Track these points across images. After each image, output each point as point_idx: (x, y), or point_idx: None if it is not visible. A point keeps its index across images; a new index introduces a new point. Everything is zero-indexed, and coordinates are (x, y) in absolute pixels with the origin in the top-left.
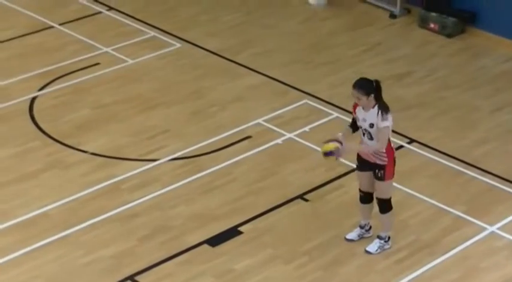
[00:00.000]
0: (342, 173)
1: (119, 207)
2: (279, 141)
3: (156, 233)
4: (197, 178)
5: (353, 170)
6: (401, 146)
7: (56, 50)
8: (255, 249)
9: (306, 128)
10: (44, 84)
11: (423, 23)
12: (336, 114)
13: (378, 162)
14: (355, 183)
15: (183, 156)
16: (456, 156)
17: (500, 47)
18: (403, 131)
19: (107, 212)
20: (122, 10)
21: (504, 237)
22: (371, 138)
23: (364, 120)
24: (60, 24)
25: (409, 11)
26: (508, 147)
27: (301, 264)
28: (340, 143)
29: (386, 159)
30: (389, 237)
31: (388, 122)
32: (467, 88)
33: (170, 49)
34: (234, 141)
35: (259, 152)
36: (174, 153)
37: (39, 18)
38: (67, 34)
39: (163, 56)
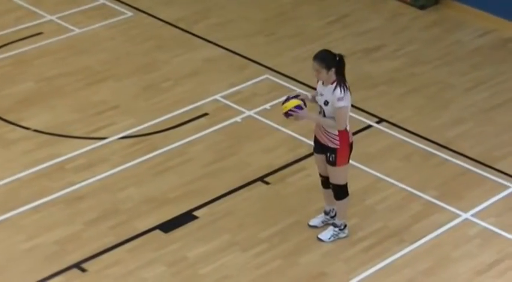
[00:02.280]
0: (305, 154)
1: (63, 188)
2: (237, 119)
3: (104, 217)
4: (149, 158)
5: None
6: (370, 126)
7: None
8: (210, 236)
9: (267, 106)
10: None
11: None
12: (299, 91)
13: (330, 144)
14: None
15: (134, 134)
16: (428, 137)
17: (477, 20)
18: (371, 109)
19: (50, 194)
20: None
21: (478, 224)
22: (324, 116)
23: (321, 95)
24: None
25: None
26: (483, 128)
27: (260, 252)
28: (303, 102)
29: (338, 142)
30: (345, 225)
31: (344, 102)
32: (440, 64)
33: (121, 18)
34: (189, 118)
35: (216, 130)
36: (124, 131)
37: None
38: (7, 0)
39: (113, 26)
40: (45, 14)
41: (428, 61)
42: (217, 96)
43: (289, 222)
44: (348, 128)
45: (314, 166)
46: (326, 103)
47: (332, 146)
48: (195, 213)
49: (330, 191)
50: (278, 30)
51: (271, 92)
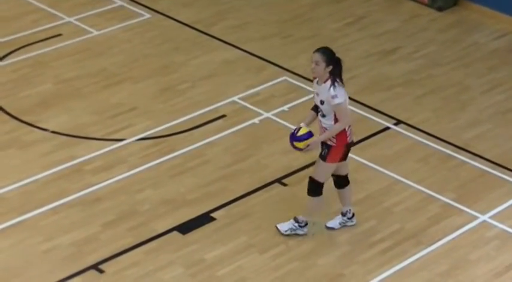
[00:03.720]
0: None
1: (81, 190)
2: (255, 121)
3: (122, 218)
4: (167, 160)
5: None
6: (387, 128)
7: (14, 19)
8: (228, 237)
9: (285, 107)
10: (1, 56)
11: None
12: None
13: (327, 141)
14: None
15: (152, 136)
16: (445, 139)
17: (495, 22)
18: (389, 111)
19: (68, 196)
20: None
21: (496, 226)
22: (323, 115)
23: (317, 94)
24: None
25: None
26: (500, 129)
27: (278, 253)
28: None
29: (334, 140)
30: (306, 223)
31: (339, 99)
32: (457, 66)
33: (139, 20)
34: (207, 120)
35: (234, 132)
36: (142, 133)
37: None
38: (26, 2)
39: (131, 28)
40: (63, 16)
41: (446, 63)
42: (235, 98)
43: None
44: (347, 128)
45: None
46: (322, 102)
47: (329, 142)
48: (213, 214)
49: (344, 191)
50: (295, 32)
51: (289, 94)
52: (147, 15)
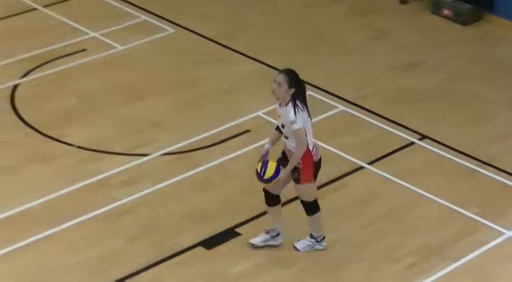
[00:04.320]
0: (347, 171)
1: (106, 205)
2: None
3: (146, 233)
4: (191, 175)
5: (359, 168)
6: (412, 143)
7: (39, 34)
8: (252, 252)
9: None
10: (27, 71)
11: (436, 9)
12: (341, 107)
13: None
14: (360, 183)
15: (176, 150)
16: (470, 153)
17: None
18: (412, 125)
19: (93, 210)
20: None
21: None
22: (286, 137)
23: (280, 117)
24: (44, 6)
25: None
26: None
27: (301, 269)
28: (278, 163)
29: (300, 161)
30: (323, 238)
31: (297, 125)
32: (482, 80)
33: (162, 35)
34: (231, 135)
35: (258, 147)
36: (166, 148)
37: None
38: (51, 17)
39: (154, 42)
40: (88, 31)
41: (470, 77)
42: (259, 113)
43: (329, 239)
44: (311, 147)
45: (356, 183)
46: (283, 126)
47: (296, 165)
48: (238, 230)
49: (275, 209)
50: (317, 45)
51: (313, 108)
52: (171, 30)
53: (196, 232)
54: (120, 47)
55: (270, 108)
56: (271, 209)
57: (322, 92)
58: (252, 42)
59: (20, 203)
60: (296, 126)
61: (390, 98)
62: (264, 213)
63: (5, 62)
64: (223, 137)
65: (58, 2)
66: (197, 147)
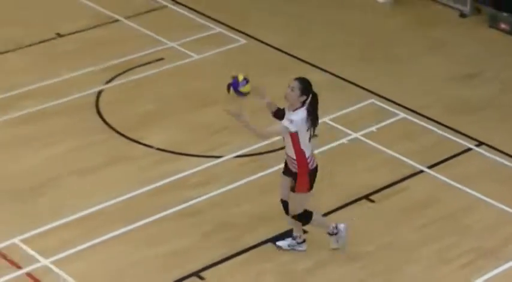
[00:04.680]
0: (408, 174)
1: (181, 203)
2: (344, 140)
3: (219, 230)
4: (262, 176)
5: (418, 172)
6: (470, 149)
7: (121, 44)
8: (317, 250)
9: (373, 128)
10: (110, 78)
11: (493, 23)
12: (402, 115)
13: (292, 169)
14: (420, 186)
15: (248, 153)
16: None
17: None
18: (471, 133)
19: (168, 209)
20: (188, 5)
21: None
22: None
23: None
24: (126, 18)
25: (479, 11)
26: None
27: (360, 267)
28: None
29: (296, 166)
30: (304, 240)
31: (289, 125)
32: None
33: (235, 45)
34: None
35: (325, 150)
36: (238, 150)
37: (105, 11)
38: (132, 28)
39: (227, 52)
40: (166, 41)
41: None
42: (325, 119)
43: (385, 241)
44: (307, 155)
45: (416, 186)
46: None
47: (293, 170)
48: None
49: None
50: (378, 55)
51: (377, 115)
52: (243, 41)
53: (266, 230)
54: (195, 56)
55: (336, 114)
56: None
57: (384, 100)
58: (320, 52)
59: (101, 200)
60: (285, 124)
61: (449, 107)
62: (329, 212)
63: (90, 69)
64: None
65: (139, 14)
66: (268, 150)
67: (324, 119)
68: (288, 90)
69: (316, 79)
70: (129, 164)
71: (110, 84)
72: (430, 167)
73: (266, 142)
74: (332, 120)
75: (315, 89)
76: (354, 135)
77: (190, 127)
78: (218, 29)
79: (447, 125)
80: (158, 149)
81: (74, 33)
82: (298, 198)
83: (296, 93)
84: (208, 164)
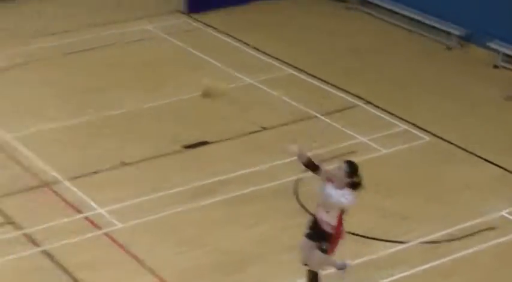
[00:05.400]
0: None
1: None
2: None
3: None
4: (439, 263)
5: None
6: None
7: (318, 137)
8: None
9: None
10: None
11: None
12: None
13: (326, 229)
14: None
15: (431, 240)
16: None
17: None
18: None
19: None
20: (377, 104)
21: None
22: (327, 211)
23: (330, 195)
24: (322, 115)
25: None
26: None
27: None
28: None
29: (334, 229)
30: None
31: (346, 201)
32: None
33: (419, 142)
34: (476, 230)
35: (500, 243)
36: (422, 237)
37: (303, 108)
38: (328, 124)
39: (411, 148)
40: (358, 136)
41: None
42: (503, 213)
43: None
44: (342, 227)
45: None
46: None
47: (328, 230)
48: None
49: None
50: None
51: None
52: (426, 138)
53: None
54: (383, 151)
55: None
56: None
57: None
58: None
59: None
60: (345, 201)
61: None
62: None
63: (289, 159)
64: (469, 232)
65: (334, 112)
66: (451, 238)
67: (500, 213)
68: (336, 170)
69: (491, 174)
70: None
71: (306, 174)
72: None
73: (446, 231)
74: (509, 213)
75: (485, 181)
76: None
77: (378, 215)
78: (403, 126)
79: None
80: (351, 233)
81: (275, 127)
82: (324, 258)
83: (341, 174)
84: (393, 249)
